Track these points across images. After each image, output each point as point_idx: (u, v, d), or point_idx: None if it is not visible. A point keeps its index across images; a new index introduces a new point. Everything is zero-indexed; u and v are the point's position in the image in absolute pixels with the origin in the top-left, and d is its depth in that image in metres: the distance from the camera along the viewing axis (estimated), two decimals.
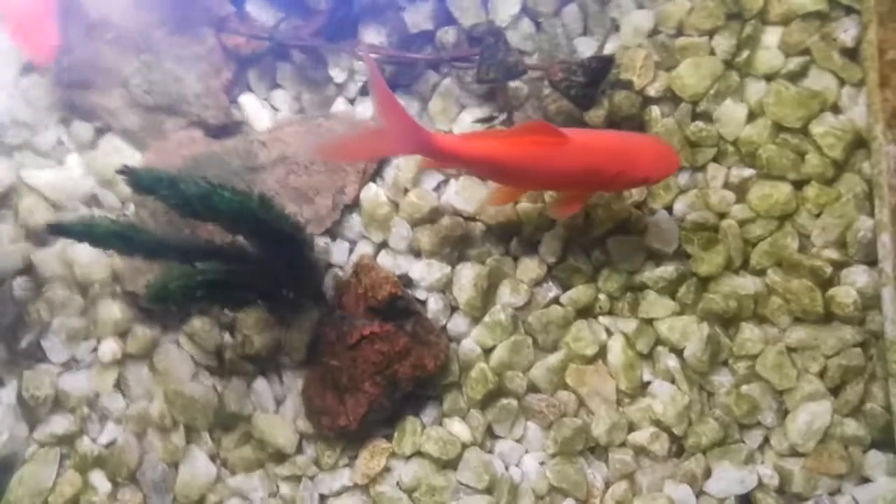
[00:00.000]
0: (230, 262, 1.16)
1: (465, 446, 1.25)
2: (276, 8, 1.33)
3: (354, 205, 1.30)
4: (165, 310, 1.28)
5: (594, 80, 1.22)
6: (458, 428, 1.25)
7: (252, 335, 1.27)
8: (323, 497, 1.27)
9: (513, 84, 1.28)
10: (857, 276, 1.21)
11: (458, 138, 1.17)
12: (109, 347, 1.28)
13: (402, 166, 1.29)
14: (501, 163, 1.12)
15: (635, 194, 1.25)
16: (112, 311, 1.29)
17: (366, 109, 1.32)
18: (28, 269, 1.29)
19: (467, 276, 1.25)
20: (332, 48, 1.31)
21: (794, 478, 1.21)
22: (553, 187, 1.22)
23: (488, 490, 1.24)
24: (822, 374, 1.23)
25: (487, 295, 1.26)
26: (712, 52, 1.26)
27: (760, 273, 1.25)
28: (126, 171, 1.03)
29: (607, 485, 1.25)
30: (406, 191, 1.29)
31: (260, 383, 1.29)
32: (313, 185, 1.29)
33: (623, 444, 1.25)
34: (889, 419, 1.19)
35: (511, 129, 1.14)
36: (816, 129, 1.23)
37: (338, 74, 1.32)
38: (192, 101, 1.31)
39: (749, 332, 1.23)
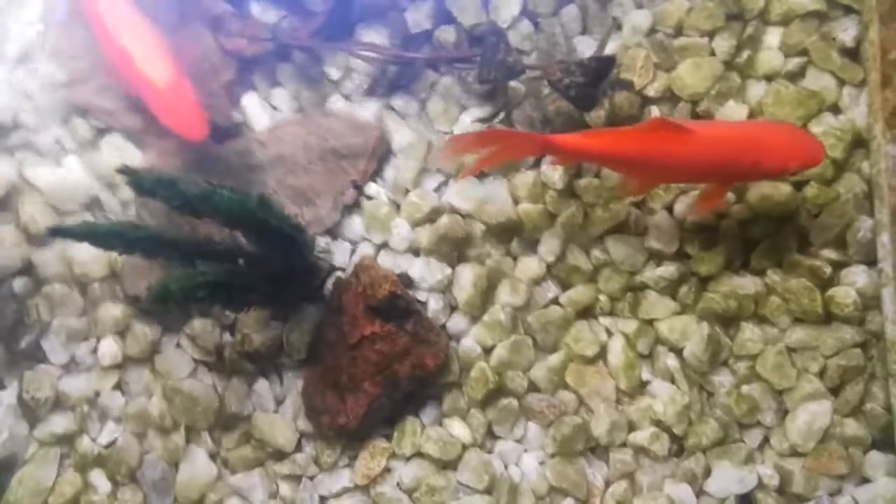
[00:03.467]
0: (231, 263, 1.16)
1: (465, 447, 1.25)
2: (276, 8, 1.33)
3: (355, 205, 1.30)
4: (166, 311, 1.28)
5: (594, 80, 1.21)
6: (458, 429, 1.25)
7: (252, 334, 1.27)
8: (323, 499, 1.27)
9: (511, 84, 1.28)
10: (857, 277, 1.21)
11: (581, 136, 1.14)
12: (109, 349, 1.29)
13: (402, 167, 1.29)
14: (629, 155, 1.12)
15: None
16: (112, 311, 1.29)
17: (364, 109, 1.32)
18: (28, 269, 1.29)
19: (467, 275, 1.25)
20: (330, 47, 1.31)
21: (794, 478, 1.21)
22: (685, 179, 1.20)
23: (488, 490, 1.23)
24: (821, 374, 1.22)
25: (487, 294, 1.26)
26: (712, 53, 1.26)
27: (760, 273, 1.24)
28: (126, 172, 1.03)
29: (607, 484, 1.24)
30: (407, 191, 1.29)
31: (260, 383, 1.29)
32: (314, 185, 1.29)
33: (623, 444, 1.25)
34: (889, 419, 1.19)
35: (632, 127, 1.14)
36: (816, 128, 1.22)
37: (334, 73, 1.32)
38: None
39: (749, 332, 1.23)
